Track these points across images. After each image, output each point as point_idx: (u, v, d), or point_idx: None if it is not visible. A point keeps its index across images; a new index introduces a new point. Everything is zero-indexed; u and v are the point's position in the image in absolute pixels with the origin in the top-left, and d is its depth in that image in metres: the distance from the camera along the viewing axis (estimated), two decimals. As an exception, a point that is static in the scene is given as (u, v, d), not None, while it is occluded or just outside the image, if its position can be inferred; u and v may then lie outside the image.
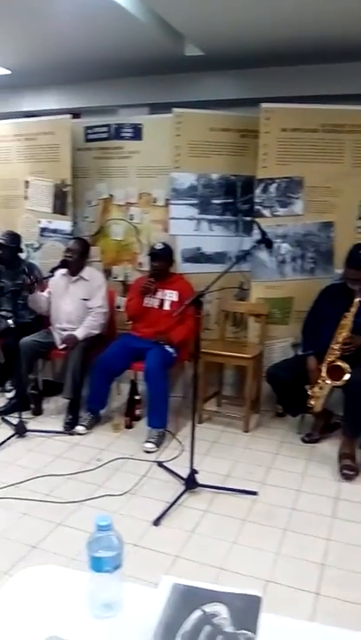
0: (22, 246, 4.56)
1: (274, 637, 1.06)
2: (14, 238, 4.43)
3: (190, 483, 3.07)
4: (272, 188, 4.00)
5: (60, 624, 1.08)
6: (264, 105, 3.92)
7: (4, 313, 4.53)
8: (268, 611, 1.08)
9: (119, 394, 4.46)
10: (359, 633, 1.10)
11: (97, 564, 1.06)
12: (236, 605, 1.11)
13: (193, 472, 3.08)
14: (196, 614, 1.08)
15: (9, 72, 4.72)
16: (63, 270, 4.12)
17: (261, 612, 1.09)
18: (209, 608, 1.10)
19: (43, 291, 4.20)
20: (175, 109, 4.22)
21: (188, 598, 1.12)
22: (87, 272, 4.20)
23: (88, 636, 1.05)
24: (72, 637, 1.04)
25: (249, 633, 1.03)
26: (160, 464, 3.42)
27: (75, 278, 4.18)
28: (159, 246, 4.01)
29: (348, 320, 3.46)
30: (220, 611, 1.09)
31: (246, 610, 1.10)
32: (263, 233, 3.52)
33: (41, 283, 4.19)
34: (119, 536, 1.10)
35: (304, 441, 3.79)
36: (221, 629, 1.04)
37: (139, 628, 1.06)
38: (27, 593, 1.18)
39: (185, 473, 3.15)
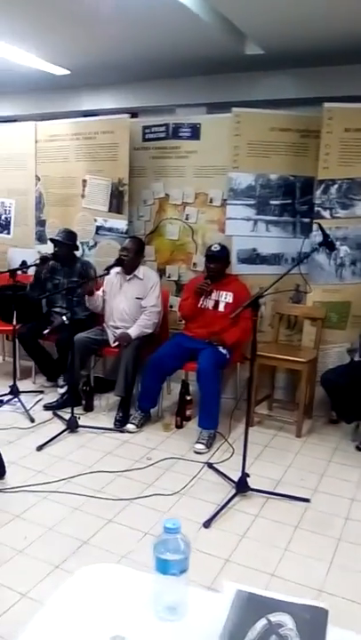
0: (78, 244, 4.62)
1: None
2: (70, 236, 4.49)
3: (242, 486, 3.03)
4: (333, 189, 3.91)
5: (123, 624, 1.07)
6: (327, 104, 3.84)
7: (58, 309, 4.60)
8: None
9: (170, 393, 4.47)
10: None
11: (163, 567, 1.04)
12: (303, 617, 1.07)
13: (245, 475, 3.04)
14: (262, 623, 1.05)
15: (68, 72, 4.79)
16: (118, 269, 4.15)
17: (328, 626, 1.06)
18: (274, 617, 1.07)
19: (98, 289, 4.24)
20: (235, 109, 4.18)
21: (252, 606, 1.10)
22: (141, 271, 4.21)
23: (152, 638, 1.04)
24: (136, 638, 1.03)
25: (317, 646, 1.00)
26: (210, 465, 3.39)
27: (129, 277, 4.20)
28: (216, 248, 3.98)
29: None
30: (286, 621, 1.06)
31: (313, 622, 1.06)
32: (326, 235, 3.45)
33: (96, 282, 4.23)
34: (187, 540, 1.07)
35: (359, 449, 3.68)
36: (288, 640, 1.01)
37: (203, 634, 1.04)
38: (90, 589, 1.18)
39: (236, 476, 3.11)
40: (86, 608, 1.12)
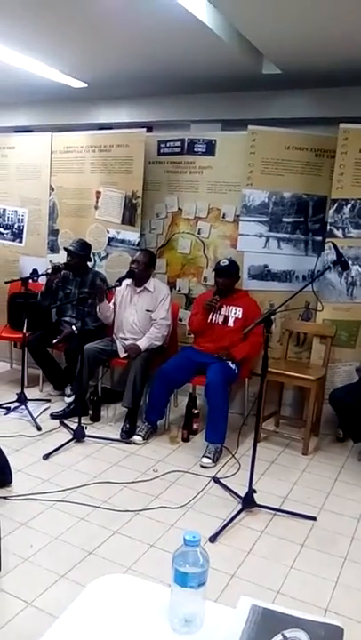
0: (91, 255, 4.66)
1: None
2: (84, 247, 4.53)
3: (248, 502, 3.03)
4: (346, 209, 3.94)
5: (138, 634, 1.08)
6: (343, 125, 3.88)
7: (68, 319, 4.63)
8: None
9: (177, 406, 4.48)
10: None
11: (182, 579, 1.05)
12: (318, 634, 1.08)
13: (252, 491, 3.04)
14: (277, 639, 1.06)
15: (86, 85, 4.86)
16: (128, 281, 4.18)
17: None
18: (290, 634, 1.07)
19: (110, 301, 4.26)
20: (250, 127, 4.23)
21: (267, 621, 1.10)
22: (152, 283, 4.24)
23: (168, 650, 1.04)
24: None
25: (333, 664, 1.00)
26: (217, 480, 3.39)
27: (139, 289, 4.23)
28: (225, 262, 3.99)
29: None
30: (302, 637, 1.07)
31: (328, 639, 1.07)
32: (340, 254, 3.47)
33: (109, 291, 4.26)
34: (205, 553, 1.08)
35: (365, 468, 3.68)
36: (304, 657, 1.01)
37: (219, 648, 1.04)
38: (104, 601, 1.19)
39: (242, 491, 3.11)
40: (101, 619, 1.13)
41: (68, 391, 4.56)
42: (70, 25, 3.45)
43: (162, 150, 4.74)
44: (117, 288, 4.22)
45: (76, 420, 3.85)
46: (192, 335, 4.30)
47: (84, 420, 4.04)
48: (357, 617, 2.29)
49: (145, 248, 4.61)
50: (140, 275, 4.16)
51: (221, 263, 4.02)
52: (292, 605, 2.31)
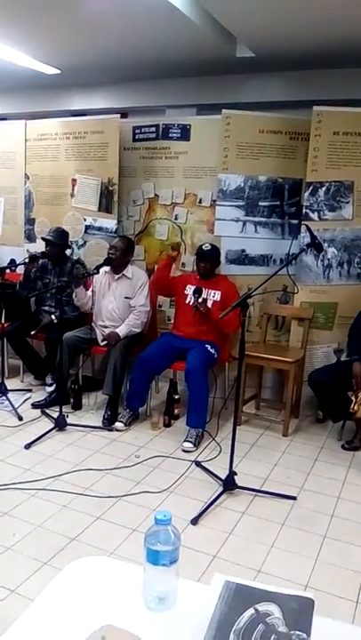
0: (70, 242, 4.64)
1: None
2: (62, 235, 4.50)
3: (229, 484, 3.06)
4: (321, 191, 3.97)
5: (113, 614, 1.09)
6: (316, 108, 3.89)
7: (47, 308, 4.61)
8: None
9: (158, 392, 4.49)
10: None
11: (154, 557, 1.07)
12: (290, 606, 1.10)
13: (232, 473, 3.07)
14: (250, 612, 1.07)
15: (59, 71, 4.80)
16: (107, 268, 4.16)
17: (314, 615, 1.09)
18: (262, 607, 1.09)
19: (87, 288, 4.25)
20: (225, 111, 4.22)
21: (240, 596, 1.12)
22: (130, 270, 4.23)
23: (142, 627, 1.06)
24: (126, 627, 1.05)
25: (303, 634, 1.02)
26: (198, 464, 3.42)
27: (117, 276, 4.22)
28: (207, 247, 4.01)
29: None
30: (274, 610, 1.09)
31: (300, 611, 1.09)
32: (314, 237, 3.49)
33: (87, 279, 4.24)
34: (177, 531, 1.10)
35: (344, 448, 3.73)
36: (275, 629, 1.03)
37: (192, 623, 1.06)
38: (80, 582, 1.20)
39: (223, 474, 3.14)
40: (76, 600, 1.14)
41: (48, 380, 4.56)
42: (42, 11, 3.40)
43: (137, 136, 4.72)
44: (95, 276, 4.21)
45: (58, 409, 3.85)
46: (171, 321, 4.30)
47: (66, 409, 4.03)
48: (337, 592, 2.34)
49: (123, 235, 4.59)
50: (117, 261, 4.15)
51: (204, 247, 4.04)
52: (273, 583, 2.35)
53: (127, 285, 4.21)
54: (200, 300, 3.90)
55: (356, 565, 2.53)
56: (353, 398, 3.53)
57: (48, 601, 1.14)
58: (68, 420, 3.88)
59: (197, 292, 3.93)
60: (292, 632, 1.03)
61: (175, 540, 1.08)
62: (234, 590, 1.14)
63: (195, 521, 2.80)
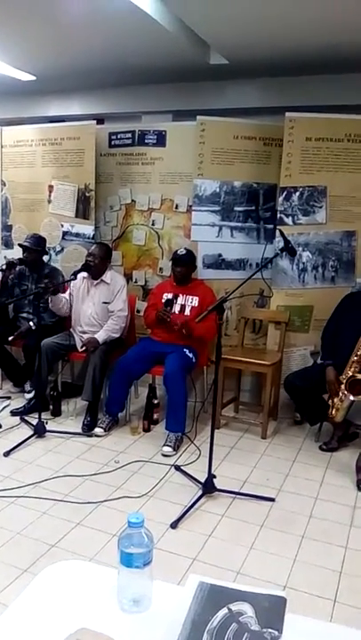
0: (47, 249, 4.63)
1: (298, 637, 1.07)
2: (39, 241, 4.50)
3: (208, 487, 3.09)
4: (295, 196, 4.02)
5: (89, 617, 1.11)
6: (288, 114, 3.95)
7: (25, 315, 4.60)
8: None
9: (137, 397, 4.50)
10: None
11: (127, 560, 1.08)
12: (262, 605, 1.13)
13: (211, 476, 3.09)
14: (223, 612, 1.10)
15: (34, 78, 4.80)
16: (85, 274, 4.17)
17: (286, 613, 1.11)
18: (235, 607, 1.12)
19: (64, 292, 4.25)
20: (199, 117, 4.26)
21: (214, 596, 1.15)
22: (108, 275, 4.24)
23: (117, 629, 1.07)
24: (101, 630, 1.07)
25: (275, 632, 1.05)
26: (178, 468, 3.44)
27: (96, 282, 4.23)
28: (182, 252, 4.04)
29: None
30: (246, 610, 1.11)
31: (272, 610, 1.12)
32: (287, 241, 3.54)
33: (62, 286, 4.23)
34: (150, 534, 1.12)
35: (322, 449, 3.78)
36: (248, 627, 1.06)
37: (167, 624, 1.08)
38: (55, 586, 1.21)
39: (203, 477, 3.16)
40: (52, 604, 1.15)
41: (27, 387, 4.53)
42: (16, 18, 3.41)
43: (113, 142, 4.74)
44: (73, 282, 4.21)
45: (37, 416, 3.84)
46: (149, 327, 4.32)
47: (45, 416, 4.03)
48: (315, 591, 2.37)
49: (100, 241, 4.60)
50: (96, 268, 4.16)
51: (179, 252, 4.07)
52: (252, 584, 2.38)
53: (106, 290, 4.22)
54: (170, 309, 3.93)
55: (334, 565, 2.56)
56: (330, 403, 3.57)
57: (23, 606, 1.15)
58: (48, 427, 3.87)
59: (168, 304, 3.95)
60: (264, 630, 1.06)
61: (148, 542, 1.10)
62: (208, 591, 1.17)
63: (174, 524, 2.82)
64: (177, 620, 1.08)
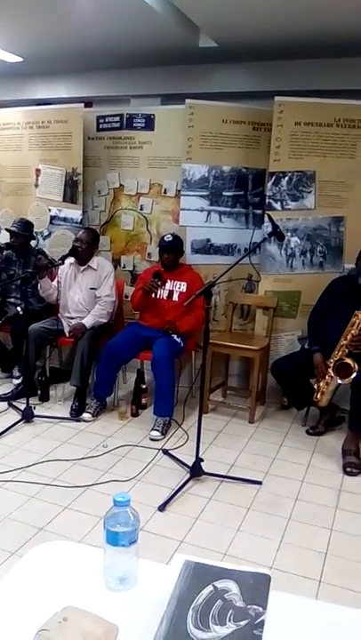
0: (35, 234, 4.60)
1: (282, 614, 1.09)
2: (27, 226, 4.46)
3: (196, 470, 3.11)
4: (284, 181, 4.02)
5: (75, 596, 1.11)
6: (278, 98, 3.93)
7: (12, 300, 4.57)
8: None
9: (125, 382, 4.51)
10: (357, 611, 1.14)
11: (113, 539, 1.09)
12: (247, 583, 1.14)
13: (199, 460, 3.11)
14: (208, 589, 1.11)
15: (21, 59, 4.73)
16: (72, 259, 4.15)
17: (271, 590, 1.13)
18: (220, 584, 1.13)
19: (52, 280, 4.23)
20: (188, 100, 4.23)
21: (199, 574, 1.16)
22: (95, 261, 4.23)
23: (103, 607, 1.08)
24: (88, 608, 1.07)
25: (259, 608, 1.06)
26: (166, 452, 3.46)
27: (83, 268, 4.21)
28: (168, 238, 4.02)
29: (358, 318, 3.39)
30: (231, 587, 1.12)
31: (256, 587, 1.13)
32: (275, 226, 3.54)
33: (53, 266, 4.20)
34: (135, 513, 1.12)
35: (309, 433, 3.82)
36: (233, 604, 1.07)
37: (152, 601, 1.09)
38: (42, 566, 1.22)
39: (190, 461, 3.18)
40: (38, 584, 1.16)
41: (15, 373, 4.52)
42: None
43: (101, 126, 4.69)
44: (61, 267, 4.18)
45: (25, 402, 3.83)
46: (136, 311, 4.32)
47: (33, 401, 4.02)
48: (301, 572, 2.41)
49: (88, 226, 4.57)
50: (83, 253, 4.14)
51: (165, 238, 4.05)
52: (239, 565, 2.41)
53: (93, 276, 4.21)
54: (155, 280, 3.90)
55: (320, 546, 2.60)
56: (315, 387, 3.60)
57: (10, 586, 1.16)
58: (36, 412, 3.87)
59: (157, 277, 3.93)
60: (248, 606, 1.07)
61: (134, 521, 1.11)
62: (193, 569, 1.17)
63: (162, 507, 2.84)
64: (162, 598, 1.08)
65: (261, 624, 1.02)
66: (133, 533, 1.10)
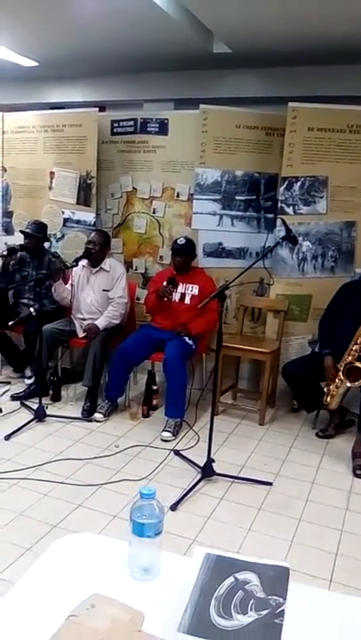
0: (48, 235, 4.66)
1: (301, 604, 1.13)
2: (41, 228, 4.52)
3: (207, 471, 3.14)
4: (296, 186, 4.06)
5: (100, 585, 1.15)
6: (291, 104, 3.97)
7: (25, 301, 4.62)
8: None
9: (136, 383, 4.55)
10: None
11: (140, 530, 1.13)
12: (267, 574, 1.18)
13: (210, 460, 3.15)
14: (229, 580, 1.15)
15: (36, 64, 4.80)
16: (85, 262, 4.20)
17: (290, 582, 1.17)
18: (241, 576, 1.17)
19: (66, 283, 4.28)
20: (202, 106, 4.28)
21: (220, 567, 1.20)
22: (108, 263, 4.28)
23: (128, 596, 1.12)
24: (113, 597, 1.11)
25: (279, 599, 1.10)
26: (177, 452, 3.49)
27: (95, 270, 4.27)
28: (181, 241, 4.06)
29: (370, 323, 3.46)
30: (252, 578, 1.16)
31: (276, 579, 1.17)
32: (288, 230, 3.58)
33: (66, 271, 4.26)
34: (160, 505, 1.17)
35: (318, 436, 3.85)
36: (254, 594, 1.11)
37: (176, 590, 1.13)
38: (67, 557, 1.26)
39: (201, 462, 3.22)
40: (64, 574, 1.20)
41: (27, 373, 4.58)
42: (20, 2, 3.40)
43: (115, 130, 4.75)
44: (74, 269, 4.24)
45: (37, 401, 3.88)
46: (150, 313, 4.36)
47: (45, 401, 4.07)
48: (312, 571, 2.44)
49: (100, 229, 4.62)
50: (96, 255, 4.19)
51: (178, 242, 4.09)
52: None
53: (105, 278, 4.26)
54: (169, 287, 3.95)
55: (330, 546, 2.63)
56: (325, 390, 3.63)
57: (37, 576, 1.20)
58: (48, 412, 3.92)
59: (171, 283, 3.98)
60: (269, 597, 1.11)
61: (159, 513, 1.15)
62: (214, 561, 1.22)
63: (174, 507, 2.88)
64: (185, 588, 1.12)
65: (282, 613, 1.06)
66: (158, 525, 1.15)
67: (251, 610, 1.07)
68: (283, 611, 1.07)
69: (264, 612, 1.06)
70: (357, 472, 3.34)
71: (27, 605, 1.10)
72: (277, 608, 1.08)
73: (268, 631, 1.02)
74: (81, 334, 4.21)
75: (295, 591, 1.15)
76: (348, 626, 1.10)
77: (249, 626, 1.03)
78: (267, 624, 1.03)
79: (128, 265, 4.75)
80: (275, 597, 1.11)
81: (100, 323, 4.14)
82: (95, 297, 4.26)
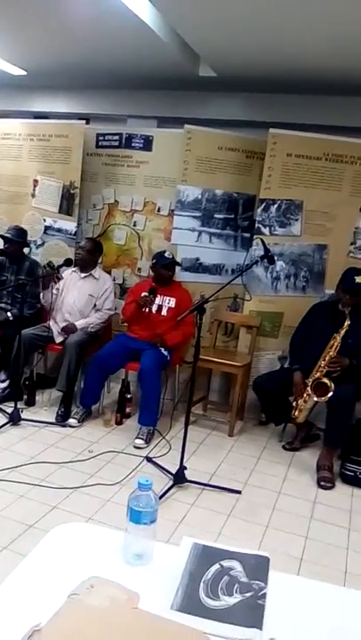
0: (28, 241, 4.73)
1: (280, 589, 1.25)
2: (21, 233, 4.58)
3: (179, 478, 3.25)
4: (273, 208, 4.24)
5: (97, 569, 1.25)
6: (272, 130, 4.17)
7: (3, 305, 4.66)
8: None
9: (109, 392, 4.63)
10: (343, 588, 1.31)
11: (136, 517, 1.24)
12: (249, 562, 1.31)
13: (182, 468, 3.26)
14: (216, 567, 1.27)
15: (25, 72, 4.89)
16: (74, 267, 4.31)
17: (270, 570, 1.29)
18: (226, 563, 1.29)
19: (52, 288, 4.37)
20: (187, 126, 4.44)
21: (207, 555, 1.32)
22: (98, 272, 4.42)
23: (124, 579, 1.22)
24: (110, 579, 1.22)
25: (261, 583, 1.23)
26: (150, 459, 3.59)
27: (84, 275, 4.38)
28: (169, 255, 4.18)
29: (336, 341, 3.64)
30: (236, 566, 1.29)
31: (258, 566, 1.30)
32: (267, 250, 3.75)
33: (54, 275, 4.35)
34: (155, 496, 1.28)
35: (285, 448, 4.00)
36: (238, 579, 1.23)
37: (167, 575, 1.24)
38: (65, 543, 1.36)
39: (173, 469, 3.32)
40: (63, 557, 1.29)
41: (2, 376, 4.61)
42: (10, 11, 3.48)
43: (100, 143, 4.87)
44: (64, 273, 4.36)
45: (12, 405, 3.93)
46: (126, 323, 4.46)
47: (19, 405, 4.11)
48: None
49: (90, 237, 4.74)
50: (84, 259, 4.32)
51: (166, 255, 4.19)
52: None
53: (93, 284, 4.37)
54: (150, 296, 4.06)
55: (295, 552, 2.77)
56: (294, 404, 3.79)
57: (38, 558, 1.30)
58: (23, 416, 3.97)
59: (152, 293, 4.09)
60: (252, 582, 1.23)
61: (155, 503, 1.26)
62: (201, 550, 1.34)
63: (147, 511, 2.96)
64: (175, 573, 1.24)
65: (264, 596, 1.19)
66: (154, 514, 1.26)
67: (236, 592, 1.19)
68: (265, 594, 1.20)
69: (248, 595, 1.19)
70: (321, 483, 3.49)
71: (29, 585, 1.19)
72: (260, 591, 1.20)
73: (252, 611, 1.14)
74: (58, 340, 4.28)
75: (274, 578, 1.28)
76: (317, 607, 1.23)
77: (235, 605, 1.15)
78: (251, 605, 1.16)
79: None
80: (257, 582, 1.23)
81: (80, 323, 4.24)
82: (79, 298, 4.34)
